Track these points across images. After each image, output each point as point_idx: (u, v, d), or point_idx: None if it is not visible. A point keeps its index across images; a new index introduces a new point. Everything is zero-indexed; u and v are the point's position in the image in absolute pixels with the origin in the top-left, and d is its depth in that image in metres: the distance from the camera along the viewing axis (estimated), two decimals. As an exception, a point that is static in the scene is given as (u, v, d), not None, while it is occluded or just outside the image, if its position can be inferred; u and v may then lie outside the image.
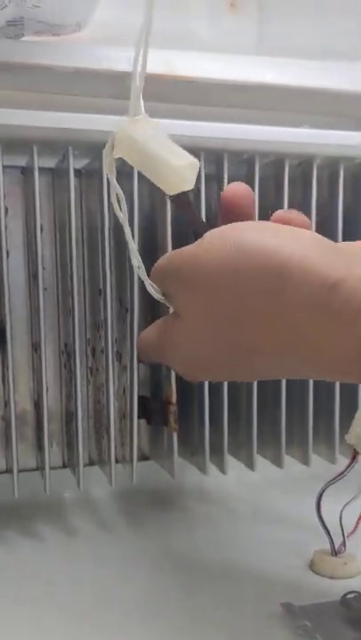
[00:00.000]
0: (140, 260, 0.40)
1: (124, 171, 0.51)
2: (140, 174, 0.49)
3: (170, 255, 0.41)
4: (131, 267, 0.51)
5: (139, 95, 0.37)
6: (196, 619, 0.41)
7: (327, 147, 0.54)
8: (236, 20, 0.61)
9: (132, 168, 0.49)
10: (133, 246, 0.40)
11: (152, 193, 0.54)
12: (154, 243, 0.54)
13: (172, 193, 0.38)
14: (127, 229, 0.39)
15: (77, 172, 0.52)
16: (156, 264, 0.41)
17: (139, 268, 0.40)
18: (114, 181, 0.39)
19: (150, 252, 0.55)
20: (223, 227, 0.38)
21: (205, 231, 0.38)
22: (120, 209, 0.39)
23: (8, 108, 0.47)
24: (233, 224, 0.38)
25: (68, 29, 0.54)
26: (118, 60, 0.54)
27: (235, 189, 0.42)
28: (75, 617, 0.41)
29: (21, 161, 0.52)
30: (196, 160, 0.38)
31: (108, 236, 0.50)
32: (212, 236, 0.38)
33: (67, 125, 0.48)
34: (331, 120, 0.59)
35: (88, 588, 0.45)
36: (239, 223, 0.38)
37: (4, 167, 0.49)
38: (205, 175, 0.51)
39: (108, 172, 0.39)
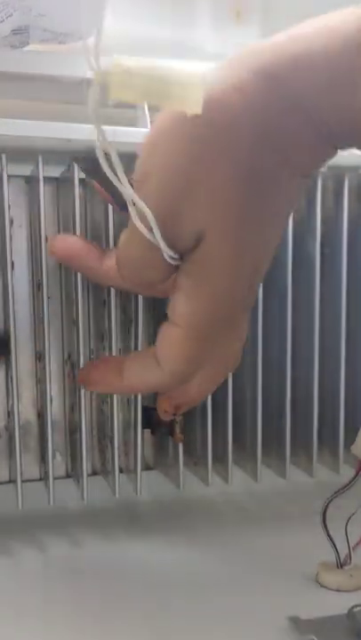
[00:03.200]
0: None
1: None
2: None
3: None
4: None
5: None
6: (202, 633, 0.41)
7: (332, 156, 0.54)
8: (241, 30, 0.61)
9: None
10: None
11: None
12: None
13: (193, 112, 0.32)
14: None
15: (82, 181, 0.52)
16: None
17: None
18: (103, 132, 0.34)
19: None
20: None
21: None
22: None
23: (13, 117, 0.47)
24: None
25: (74, 38, 0.54)
26: (123, 69, 0.54)
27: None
28: (77, 631, 0.41)
29: (26, 170, 0.52)
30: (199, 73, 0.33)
31: (113, 245, 0.50)
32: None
33: (72, 135, 0.48)
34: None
35: (91, 600, 0.45)
36: None
37: (8, 177, 0.49)
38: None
39: (97, 122, 0.34)
